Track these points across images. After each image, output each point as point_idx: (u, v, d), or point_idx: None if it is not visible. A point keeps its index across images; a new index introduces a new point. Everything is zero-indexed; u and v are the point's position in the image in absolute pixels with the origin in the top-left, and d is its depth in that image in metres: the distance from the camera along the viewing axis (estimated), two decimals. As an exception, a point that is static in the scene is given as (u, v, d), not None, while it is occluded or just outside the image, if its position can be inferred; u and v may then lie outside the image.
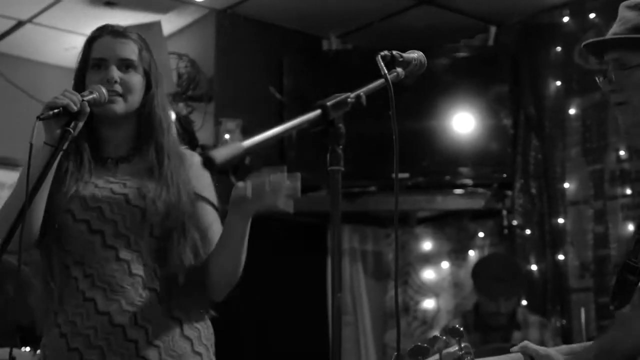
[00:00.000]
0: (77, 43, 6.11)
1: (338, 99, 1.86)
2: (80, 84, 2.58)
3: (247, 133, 5.58)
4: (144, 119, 2.62)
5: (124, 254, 2.50)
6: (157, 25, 5.61)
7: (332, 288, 1.79)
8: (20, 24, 6.03)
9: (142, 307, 2.47)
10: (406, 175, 5.62)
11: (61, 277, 2.54)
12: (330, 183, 1.81)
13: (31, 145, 2.31)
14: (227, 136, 5.59)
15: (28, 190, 2.30)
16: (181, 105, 5.84)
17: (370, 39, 6.29)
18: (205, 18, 6.02)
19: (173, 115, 5.55)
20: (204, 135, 5.78)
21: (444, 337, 2.00)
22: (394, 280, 2.12)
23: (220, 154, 1.48)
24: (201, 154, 1.49)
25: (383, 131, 4.26)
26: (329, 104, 1.83)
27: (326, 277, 6.18)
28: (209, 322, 2.65)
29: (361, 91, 1.94)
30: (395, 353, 2.04)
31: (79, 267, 2.52)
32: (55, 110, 2.34)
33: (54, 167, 2.43)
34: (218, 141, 5.59)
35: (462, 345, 2.04)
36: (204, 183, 2.65)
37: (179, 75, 5.92)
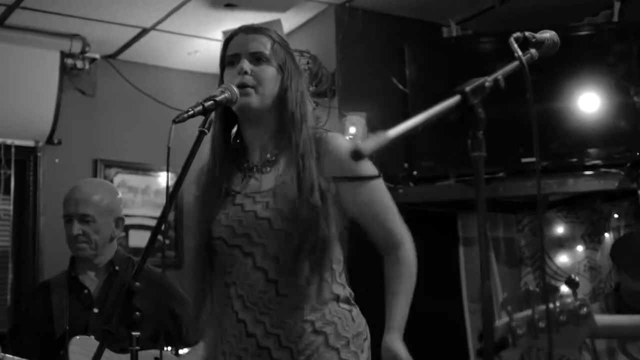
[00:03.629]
0: (200, 47, 6.30)
1: (476, 83, 1.84)
2: (220, 83, 2.64)
3: (371, 125, 5.59)
4: (280, 115, 2.63)
5: (273, 274, 2.53)
6: (277, 23, 5.66)
7: (482, 275, 1.78)
8: (144, 31, 6.17)
9: (286, 327, 2.51)
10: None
11: (220, 295, 2.63)
12: (474, 169, 1.79)
13: (169, 149, 2.38)
14: (352, 130, 5.59)
15: (168, 194, 2.37)
16: (305, 102, 5.87)
17: (490, 23, 6.20)
18: (324, 13, 6.05)
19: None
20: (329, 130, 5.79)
21: (562, 287, 1.97)
22: (541, 260, 2.12)
23: (368, 146, 1.49)
24: (350, 147, 1.51)
25: (510, 115, 4.26)
26: (467, 89, 1.81)
27: (459, 265, 6.15)
28: (361, 329, 2.65)
29: (498, 74, 1.92)
30: (506, 293, 2.01)
31: (234, 287, 2.58)
32: (190, 112, 2.39)
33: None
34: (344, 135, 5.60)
35: (579, 297, 2.00)
36: (347, 167, 2.61)
37: (301, 72, 5.95)
